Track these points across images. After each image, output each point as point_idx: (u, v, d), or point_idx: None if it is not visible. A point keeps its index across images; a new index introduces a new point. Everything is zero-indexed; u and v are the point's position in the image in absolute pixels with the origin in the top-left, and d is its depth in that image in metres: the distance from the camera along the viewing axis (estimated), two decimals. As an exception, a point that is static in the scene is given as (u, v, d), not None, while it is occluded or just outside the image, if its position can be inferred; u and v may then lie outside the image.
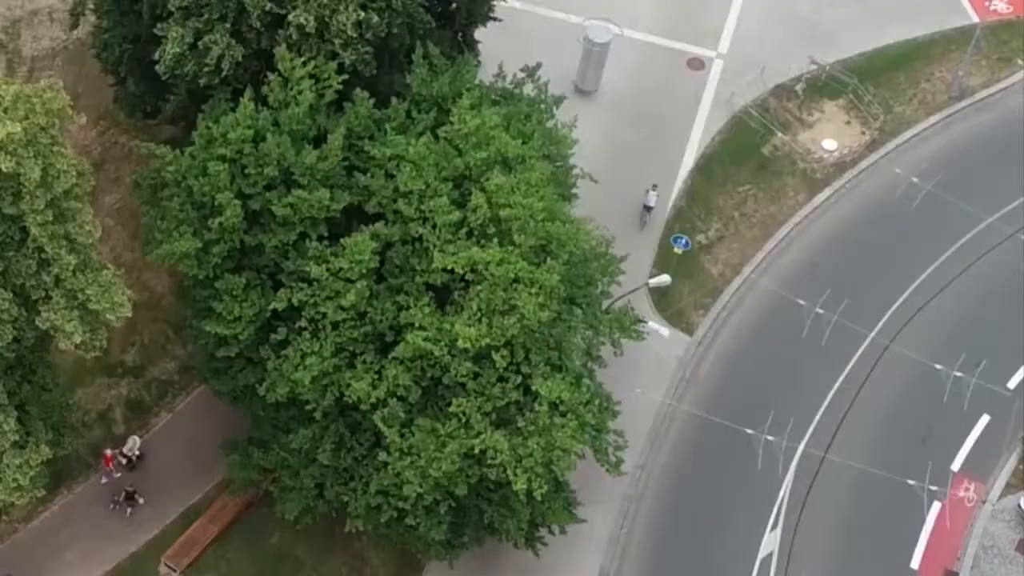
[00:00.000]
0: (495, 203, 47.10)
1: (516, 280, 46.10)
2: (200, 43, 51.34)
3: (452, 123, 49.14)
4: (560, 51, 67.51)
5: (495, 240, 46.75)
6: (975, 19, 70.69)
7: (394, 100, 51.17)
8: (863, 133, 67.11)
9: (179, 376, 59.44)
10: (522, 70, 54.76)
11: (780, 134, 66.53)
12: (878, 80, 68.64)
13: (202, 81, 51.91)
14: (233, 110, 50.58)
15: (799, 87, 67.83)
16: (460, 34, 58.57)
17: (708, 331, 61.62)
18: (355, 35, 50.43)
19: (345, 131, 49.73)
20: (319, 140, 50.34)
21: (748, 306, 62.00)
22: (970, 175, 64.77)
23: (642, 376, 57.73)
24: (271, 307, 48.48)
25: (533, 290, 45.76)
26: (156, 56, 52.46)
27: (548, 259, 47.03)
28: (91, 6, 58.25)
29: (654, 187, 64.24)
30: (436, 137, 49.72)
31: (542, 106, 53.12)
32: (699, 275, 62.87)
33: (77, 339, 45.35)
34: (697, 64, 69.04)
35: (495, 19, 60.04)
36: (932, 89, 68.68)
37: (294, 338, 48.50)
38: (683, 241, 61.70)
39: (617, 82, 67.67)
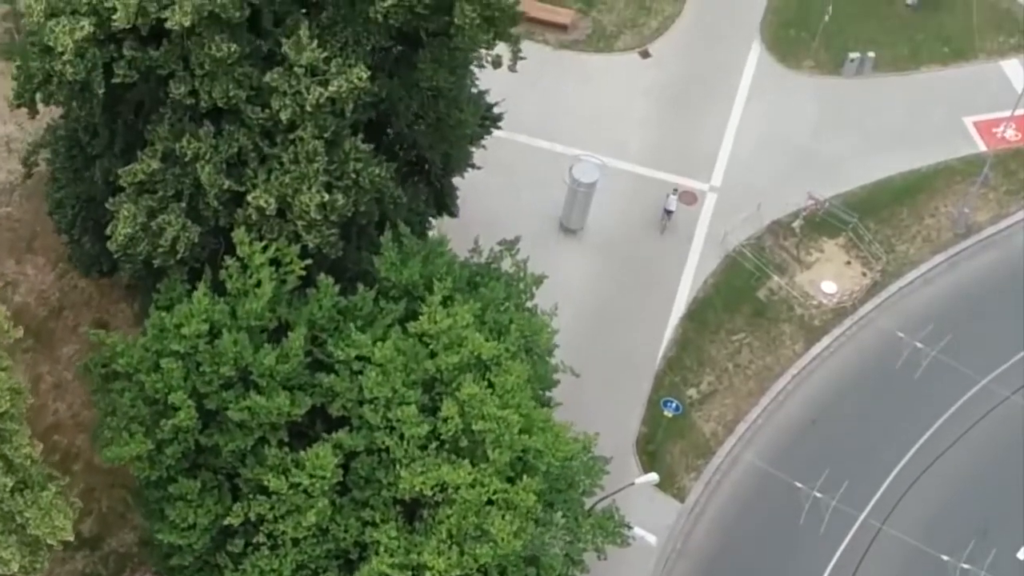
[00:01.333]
0: (468, 414, 43.61)
1: (490, 502, 42.60)
2: (153, 223, 47.88)
3: (422, 319, 45.60)
4: (545, 184, 64.43)
5: (467, 457, 43.26)
6: (982, 147, 67.17)
7: (361, 287, 47.66)
8: (864, 274, 63.65)
9: (138, 549, 55.86)
10: (500, 243, 51.27)
11: (776, 277, 63.02)
12: (880, 215, 65.18)
13: (156, 262, 48.49)
14: (189, 293, 47.25)
15: (797, 224, 64.37)
16: (438, 183, 55.28)
17: (700, 497, 58.08)
18: (319, 217, 46.96)
19: (308, 324, 46.26)
20: (280, 332, 46.89)
21: (742, 472, 58.46)
22: (975, 329, 61.19)
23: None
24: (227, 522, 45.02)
25: (508, 516, 42.26)
26: (108, 232, 49.00)
27: (524, 475, 43.53)
28: (46, 156, 54.89)
29: (675, 191, 63.95)
30: (405, 330, 46.21)
31: (520, 285, 49.60)
32: (691, 434, 59.35)
33: (15, 566, 41.97)
34: (689, 198, 65.52)
35: (474, 166, 56.73)
36: (937, 225, 65.21)
37: (252, 552, 45.02)
38: (673, 405, 58.18)
39: (604, 218, 64.19)
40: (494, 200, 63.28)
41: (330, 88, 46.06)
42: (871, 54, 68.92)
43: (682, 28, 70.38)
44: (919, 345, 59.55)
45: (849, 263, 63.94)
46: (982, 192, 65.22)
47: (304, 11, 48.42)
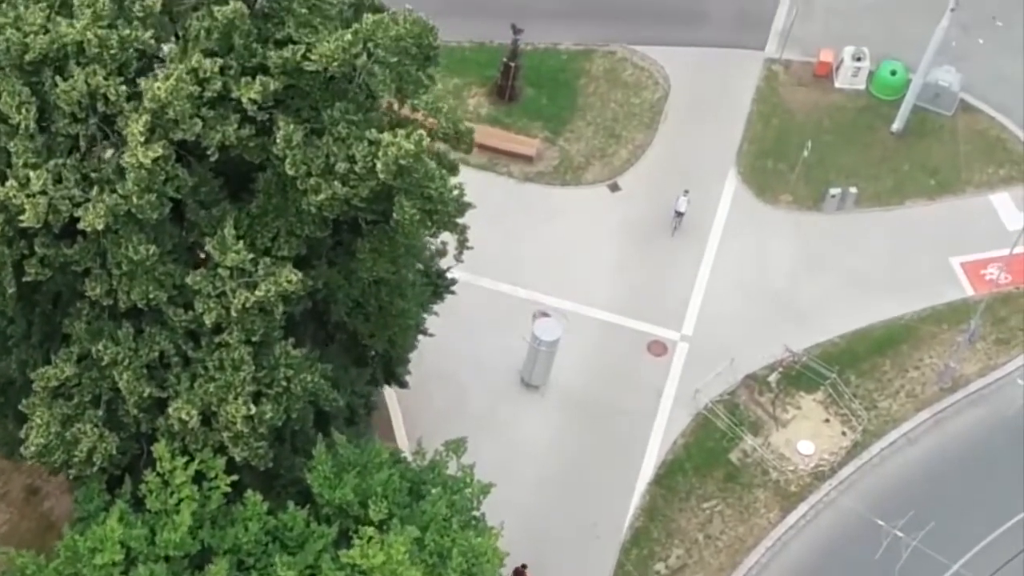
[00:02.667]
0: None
1: None
2: (68, 432, 44.22)
3: (355, 551, 41.91)
4: (507, 332, 60.75)
5: None
6: (970, 291, 63.55)
7: (291, 505, 43.95)
8: (844, 434, 59.98)
9: None
10: (445, 444, 47.57)
11: (750, 437, 59.32)
12: (861, 368, 61.48)
13: (71, 472, 44.84)
14: (108, 504, 43.67)
15: (772, 378, 60.72)
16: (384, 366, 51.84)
17: None
18: (246, 429, 43.30)
19: (233, 549, 42.58)
20: (204, 556, 43.21)
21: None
22: (960, 506, 57.54)
23: None
24: None
25: None
26: (22, 435, 45.40)
27: None
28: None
29: (686, 192, 63.65)
30: (337, 558, 42.51)
31: (467, 492, 45.88)
32: (658, 617, 55.77)
33: None
34: (659, 348, 61.83)
35: (427, 333, 53.25)
36: (921, 379, 61.52)
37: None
38: (639, 595, 54.52)
39: (569, 371, 60.50)
40: (452, 350, 59.78)
41: (257, 292, 42.48)
42: (853, 189, 65.31)
43: (653, 158, 66.80)
44: (899, 534, 55.71)
45: (828, 421, 60.27)
46: (969, 343, 61.48)
47: (232, 201, 44.88)
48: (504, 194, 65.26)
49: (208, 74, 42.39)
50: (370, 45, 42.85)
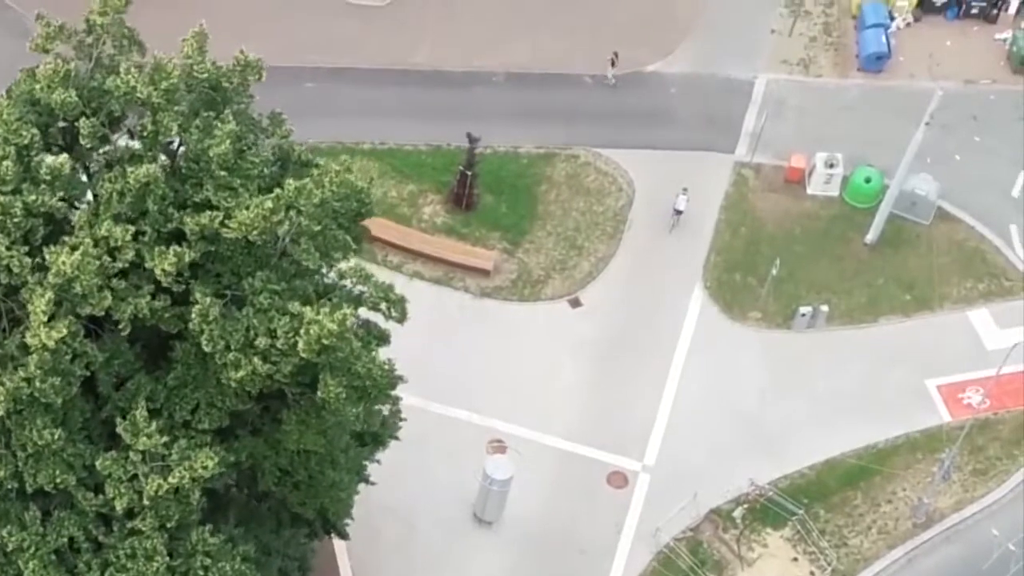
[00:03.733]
0: None
1: None
2: (-30, 623, 41.33)
3: None
4: (459, 462, 57.94)
5: None
6: (947, 417, 60.61)
7: None
8: (812, 574, 56.96)
9: None
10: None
11: (714, 580, 56.53)
12: (831, 501, 58.57)
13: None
14: None
15: (738, 513, 57.80)
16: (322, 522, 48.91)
17: None
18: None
19: None
20: None
21: None
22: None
23: None
24: None
25: None
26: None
27: None
28: None
29: (684, 190, 63.27)
30: None
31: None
32: None
33: None
34: (619, 480, 58.92)
35: (368, 481, 50.34)
36: (894, 513, 58.59)
37: None
38: None
39: (524, 505, 57.52)
40: (401, 481, 56.80)
41: (171, 479, 39.58)
42: (824, 307, 62.42)
43: (616, 270, 63.92)
44: None
45: (796, 559, 57.39)
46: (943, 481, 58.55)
47: (150, 370, 41.99)
48: (459, 310, 62.43)
49: (119, 243, 39.58)
50: (292, 213, 39.99)
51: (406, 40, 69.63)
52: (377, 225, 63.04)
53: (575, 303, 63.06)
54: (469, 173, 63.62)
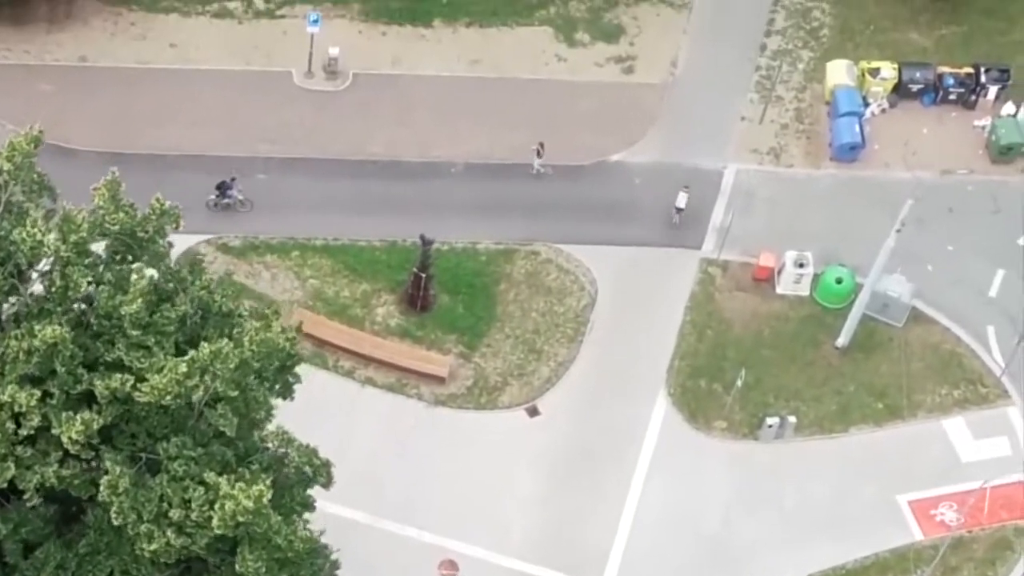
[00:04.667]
0: None
1: None
2: None
3: None
4: (409, 583, 55.42)
5: None
6: (918, 535, 58.14)
7: None
8: None
9: None
10: None
11: None
12: (799, 634, 56.07)
13: None
14: None
15: (700, 641, 55.25)
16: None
17: None
18: None
19: None
20: None
21: None
22: None
23: None
24: None
25: None
26: None
27: None
28: None
29: (686, 187, 63.27)
30: None
31: None
32: None
33: None
34: (577, 608, 56.41)
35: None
36: (864, 642, 56.09)
37: None
38: None
39: (476, 635, 55.07)
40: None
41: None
42: (791, 419, 59.90)
43: (577, 376, 61.38)
44: None
45: None
46: (916, 607, 56.20)
47: (61, 534, 39.52)
48: (412, 420, 59.95)
49: (24, 408, 37.12)
50: (207, 377, 37.48)
51: (362, 128, 67.12)
52: (328, 329, 61.01)
53: (533, 412, 60.55)
54: (423, 275, 61.07)
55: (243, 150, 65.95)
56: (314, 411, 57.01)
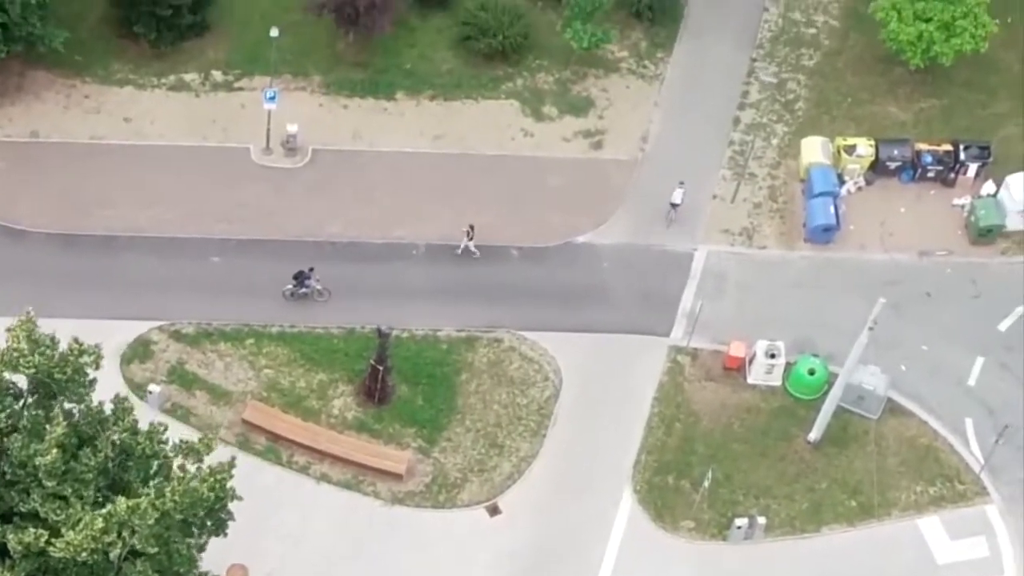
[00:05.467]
0: None
1: None
2: None
3: None
4: None
5: None
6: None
7: None
8: None
9: None
10: None
11: None
12: None
13: None
14: None
15: None
16: None
17: None
18: None
19: None
20: None
21: None
22: None
23: None
24: None
25: None
26: None
27: None
28: None
29: (681, 183, 63.53)
30: None
31: None
32: None
33: None
34: None
35: None
36: None
37: None
38: None
39: None
40: None
41: None
42: (761, 519, 57.72)
43: (540, 472, 59.26)
44: None
45: None
46: None
47: None
48: (368, 519, 57.82)
49: (-68, 564, 34.91)
50: (125, 533, 35.32)
51: (321, 207, 65.05)
52: (283, 423, 59.03)
53: (493, 510, 58.41)
54: (381, 368, 58.92)
55: (198, 230, 63.87)
56: (267, 509, 55.40)
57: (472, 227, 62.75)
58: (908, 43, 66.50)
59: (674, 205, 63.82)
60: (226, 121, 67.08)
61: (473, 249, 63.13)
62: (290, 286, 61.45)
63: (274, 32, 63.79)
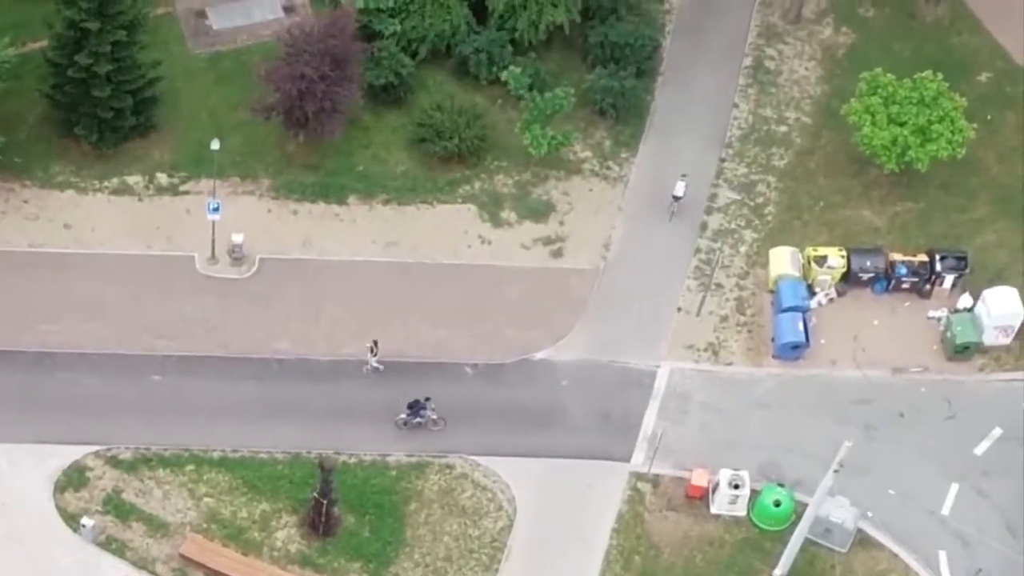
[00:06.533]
0: None
1: None
2: None
3: None
4: None
5: None
6: None
7: None
8: None
9: None
10: None
11: None
12: None
13: None
14: None
15: None
16: None
17: None
18: None
19: None
20: None
21: None
22: None
23: None
24: None
25: None
26: None
27: None
28: None
29: (683, 176, 64.19)
30: None
31: None
32: None
33: None
34: None
35: None
36: None
37: None
38: None
39: None
40: None
41: None
42: (723, 665, 54.92)
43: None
44: None
45: None
46: None
47: None
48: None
49: None
50: None
51: (268, 320, 62.31)
52: (223, 559, 56.35)
53: (442, 651, 55.62)
54: (324, 502, 56.13)
55: (139, 346, 61.22)
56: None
57: (376, 343, 60.04)
58: (882, 147, 63.75)
59: (676, 198, 63.77)
60: (170, 227, 64.37)
61: (377, 365, 60.31)
62: (404, 415, 58.88)
63: (215, 145, 60.98)
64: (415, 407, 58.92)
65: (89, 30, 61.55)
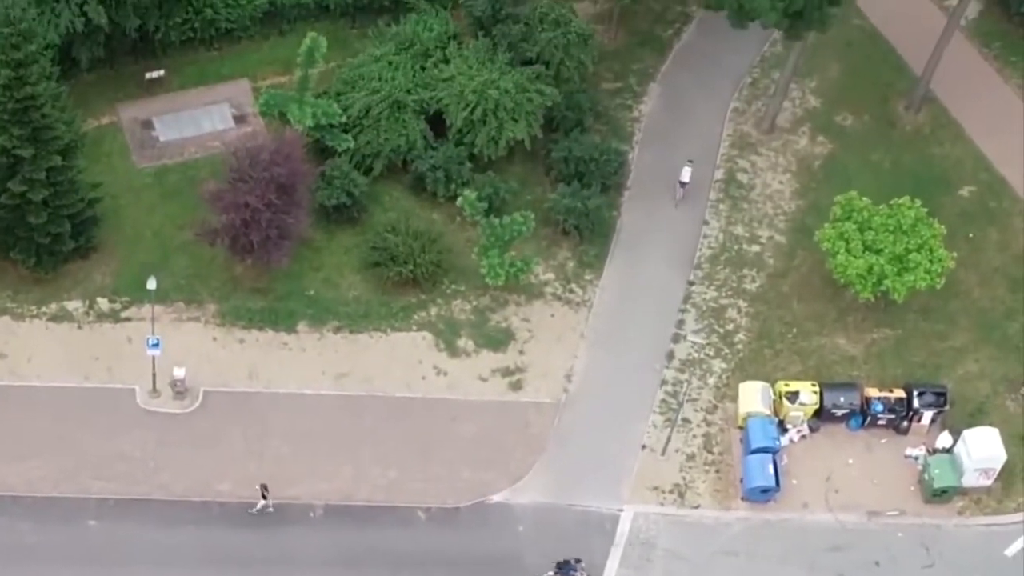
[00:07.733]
0: None
1: None
2: None
3: None
4: None
5: None
6: None
7: None
8: None
9: None
10: None
11: None
12: None
13: None
14: None
15: None
16: None
17: None
18: None
19: None
20: None
21: None
22: None
23: None
24: None
25: None
26: None
27: None
28: None
29: (690, 162, 64.92)
30: None
31: None
32: None
33: None
34: None
35: None
36: None
37: None
38: None
39: None
40: None
41: None
42: None
43: None
44: None
45: None
46: None
47: None
48: None
49: None
50: None
51: (210, 460, 59.24)
52: None
53: None
54: (264, 667, 53.03)
55: (74, 489, 58.25)
56: None
57: (265, 486, 56.99)
58: (857, 276, 60.67)
59: (682, 184, 64.18)
60: (110, 358, 61.28)
61: (270, 509, 57.19)
62: (551, 574, 55.50)
63: (151, 284, 57.93)
64: (565, 568, 55.87)
65: (22, 156, 58.40)
